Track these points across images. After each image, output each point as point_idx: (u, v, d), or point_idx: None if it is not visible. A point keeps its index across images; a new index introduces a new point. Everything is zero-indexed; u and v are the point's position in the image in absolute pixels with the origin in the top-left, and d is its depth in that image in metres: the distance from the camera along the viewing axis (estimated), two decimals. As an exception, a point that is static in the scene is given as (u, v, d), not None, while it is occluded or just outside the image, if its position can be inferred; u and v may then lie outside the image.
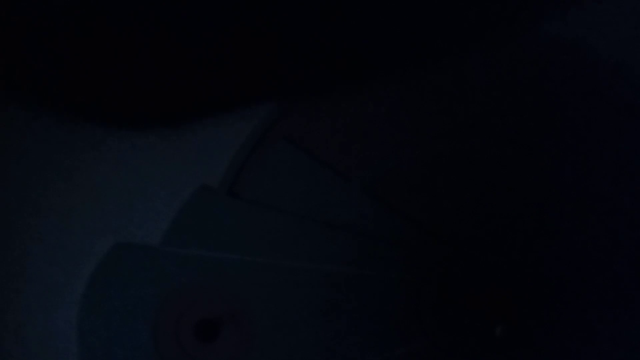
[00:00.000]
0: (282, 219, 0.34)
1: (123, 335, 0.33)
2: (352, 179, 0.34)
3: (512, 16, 0.35)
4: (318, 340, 0.33)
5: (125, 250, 0.34)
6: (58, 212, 0.35)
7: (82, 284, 0.34)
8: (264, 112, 0.35)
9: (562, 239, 0.33)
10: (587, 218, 0.33)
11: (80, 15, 0.33)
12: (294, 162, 0.34)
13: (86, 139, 0.36)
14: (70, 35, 0.34)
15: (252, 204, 0.34)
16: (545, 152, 0.34)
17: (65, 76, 0.35)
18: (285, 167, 0.34)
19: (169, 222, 0.34)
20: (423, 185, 0.34)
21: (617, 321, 0.33)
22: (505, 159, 0.34)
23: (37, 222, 0.35)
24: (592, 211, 0.33)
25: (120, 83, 0.35)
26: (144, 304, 0.34)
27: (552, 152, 0.34)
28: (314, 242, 0.34)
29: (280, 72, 0.36)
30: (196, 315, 0.33)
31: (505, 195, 0.34)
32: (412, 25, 0.35)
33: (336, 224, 0.34)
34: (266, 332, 0.33)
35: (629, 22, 0.35)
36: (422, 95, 0.35)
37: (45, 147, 0.36)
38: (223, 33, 0.35)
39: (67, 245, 0.35)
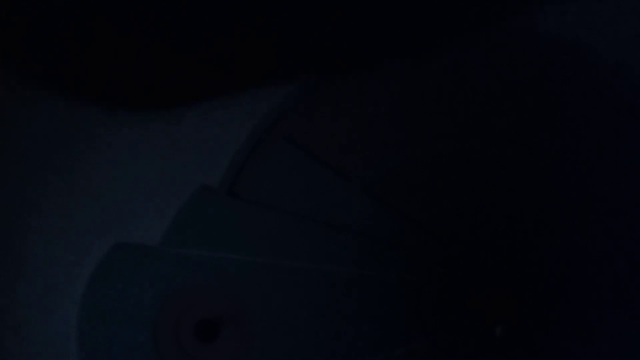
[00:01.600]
0: (282, 219, 0.34)
1: (123, 335, 0.34)
2: (352, 179, 0.34)
3: (509, 11, 0.35)
4: (318, 340, 0.33)
5: (125, 250, 0.34)
6: (58, 212, 0.35)
7: (82, 284, 0.34)
8: (264, 112, 0.35)
9: (562, 239, 0.33)
10: (587, 218, 0.33)
11: (81, 15, 0.33)
12: (294, 162, 0.34)
13: (86, 139, 0.36)
14: (71, 35, 0.34)
15: (252, 204, 0.34)
16: (545, 152, 0.34)
17: (65, 76, 0.35)
18: (285, 167, 0.34)
19: (169, 222, 0.34)
20: (423, 185, 0.34)
21: (617, 321, 0.33)
22: (505, 159, 0.34)
23: (37, 222, 0.35)
24: (592, 211, 0.33)
25: (121, 82, 0.35)
26: (144, 304, 0.34)
27: (552, 152, 0.34)
28: (314, 242, 0.34)
29: (280, 71, 0.36)
30: (196, 315, 0.33)
31: (506, 195, 0.34)
32: (410, 23, 0.35)
33: (336, 224, 0.34)
34: (266, 332, 0.33)
35: (629, 22, 0.35)
36: (422, 95, 0.35)
37: (45, 147, 0.36)
38: (223, 32, 0.35)
39: (67, 245, 0.35)
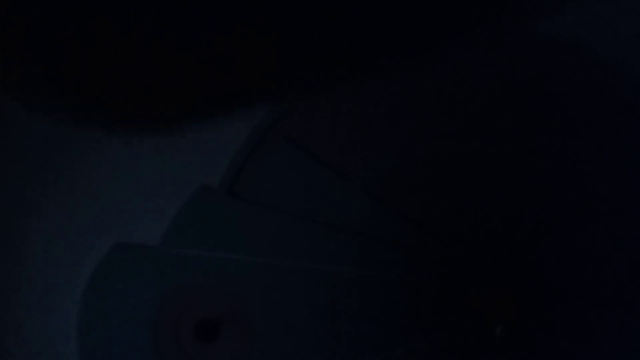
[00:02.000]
0: (282, 219, 0.34)
1: (123, 335, 0.34)
2: (352, 179, 0.34)
3: (509, 11, 0.35)
4: (318, 340, 0.33)
5: (125, 250, 0.34)
6: (58, 212, 0.35)
7: (82, 284, 0.34)
8: (264, 112, 0.35)
9: (562, 239, 0.33)
10: (587, 218, 0.33)
11: (81, 15, 0.33)
12: (294, 162, 0.34)
13: (86, 139, 0.36)
14: (71, 35, 0.34)
15: (252, 204, 0.34)
16: (545, 152, 0.34)
17: (65, 76, 0.35)
18: (285, 167, 0.34)
19: (169, 222, 0.34)
20: (423, 185, 0.34)
21: (617, 321, 0.33)
22: (505, 159, 0.34)
23: (37, 222, 0.35)
24: (592, 211, 0.34)
25: (120, 83, 0.35)
26: (144, 304, 0.34)
27: (552, 152, 0.34)
28: (314, 242, 0.34)
29: (281, 72, 0.36)
30: (196, 315, 0.33)
31: (506, 195, 0.34)
32: (410, 23, 0.35)
33: (336, 224, 0.34)
34: (266, 332, 0.33)
35: (629, 22, 0.35)
36: (422, 95, 0.35)
37: (45, 147, 0.36)
38: (223, 33, 0.35)
39: (67, 245, 0.35)
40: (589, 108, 0.34)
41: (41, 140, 0.36)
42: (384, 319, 0.33)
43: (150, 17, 0.34)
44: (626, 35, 0.35)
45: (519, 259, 0.33)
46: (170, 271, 0.34)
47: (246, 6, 0.33)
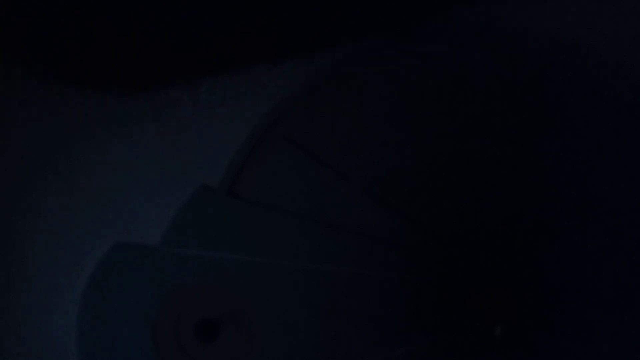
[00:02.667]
0: (282, 219, 0.34)
1: (123, 335, 0.34)
2: (352, 179, 0.34)
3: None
4: (318, 340, 0.33)
5: (125, 250, 0.34)
6: (58, 212, 0.35)
7: (82, 284, 0.34)
8: (264, 112, 0.35)
9: (562, 239, 0.33)
10: (587, 218, 0.33)
11: (81, 15, 0.33)
12: (294, 162, 0.34)
13: (86, 139, 0.36)
14: (71, 34, 0.34)
15: (252, 204, 0.34)
16: (545, 152, 0.34)
17: (66, 76, 0.35)
18: (285, 167, 0.34)
19: (169, 222, 0.34)
20: (423, 185, 0.34)
21: (617, 321, 0.33)
22: (505, 159, 0.34)
23: (37, 222, 0.35)
24: (592, 211, 0.33)
25: (121, 82, 0.35)
26: (144, 304, 0.34)
27: (552, 152, 0.34)
28: (314, 242, 0.34)
29: (280, 70, 0.36)
30: (196, 315, 0.33)
31: (506, 195, 0.34)
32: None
33: (336, 224, 0.34)
34: (266, 332, 0.33)
35: (629, 22, 0.35)
36: (422, 95, 0.35)
37: (45, 147, 0.36)
38: (223, 31, 0.35)
39: (67, 245, 0.35)
40: (589, 108, 0.34)
41: (41, 140, 0.36)
42: (384, 319, 0.33)
43: (150, 17, 0.34)
44: (626, 35, 0.35)
45: (519, 259, 0.33)
46: (170, 271, 0.34)
47: (246, 6, 0.33)
